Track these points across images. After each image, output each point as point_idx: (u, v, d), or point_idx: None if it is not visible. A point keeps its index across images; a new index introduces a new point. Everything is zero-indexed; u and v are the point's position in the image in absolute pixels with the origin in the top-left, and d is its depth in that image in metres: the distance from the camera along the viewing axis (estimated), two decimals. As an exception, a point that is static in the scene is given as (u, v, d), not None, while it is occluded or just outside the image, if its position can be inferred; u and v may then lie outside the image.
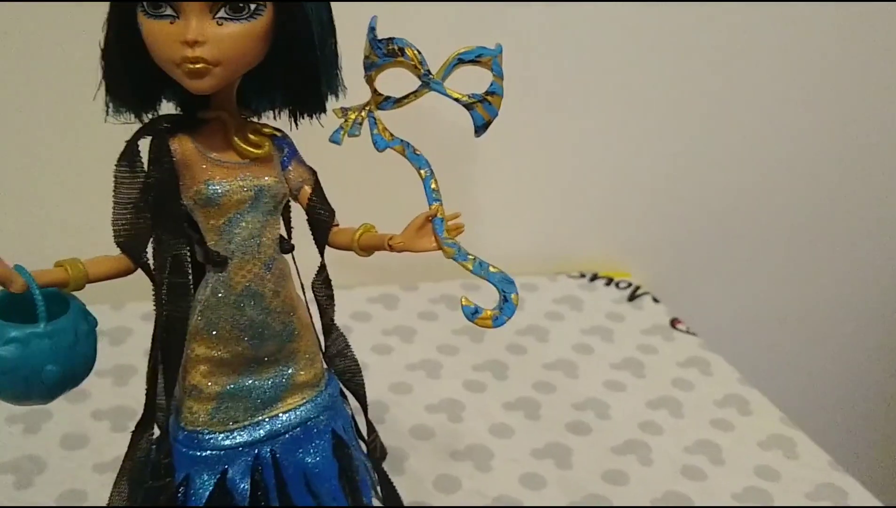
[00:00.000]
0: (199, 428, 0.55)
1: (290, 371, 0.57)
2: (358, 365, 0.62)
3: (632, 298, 1.22)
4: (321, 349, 0.60)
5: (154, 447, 0.55)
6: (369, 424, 0.63)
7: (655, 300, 1.22)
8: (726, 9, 1.20)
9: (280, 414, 0.57)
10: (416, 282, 1.21)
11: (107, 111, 0.52)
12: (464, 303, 0.55)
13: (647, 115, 1.25)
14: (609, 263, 1.29)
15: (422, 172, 0.55)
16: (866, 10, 1.25)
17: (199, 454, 0.54)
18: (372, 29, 0.52)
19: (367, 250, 0.56)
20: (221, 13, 0.48)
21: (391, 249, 0.54)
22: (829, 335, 1.45)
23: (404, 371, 1.04)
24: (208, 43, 0.48)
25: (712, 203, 1.33)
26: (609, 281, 1.25)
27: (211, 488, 0.53)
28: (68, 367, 0.49)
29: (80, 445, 0.88)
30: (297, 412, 0.57)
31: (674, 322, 1.17)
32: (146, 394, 0.54)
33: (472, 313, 0.55)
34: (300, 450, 0.56)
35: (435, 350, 1.09)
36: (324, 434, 0.58)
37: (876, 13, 1.26)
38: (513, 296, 0.54)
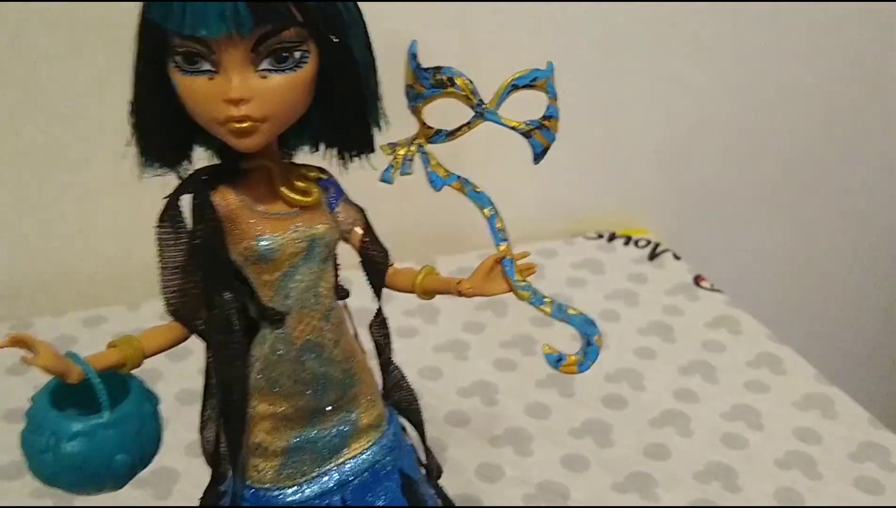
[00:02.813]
0: (266, 485, 0.53)
1: (353, 417, 0.55)
2: (414, 395, 0.60)
3: (652, 256, 1.20)
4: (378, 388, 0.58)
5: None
6: (427, 450, 0.62)
7: (676, 257, 1.20)
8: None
9: (347, 461, 0.55)
10: (434, 256, 1.19)
11: (140, 167, 0.48)
12: (546, 351, 0.53)
13: (658, 64, 1.22)
14: (626, 220, 1.26)
15: (485, 211, 0.52)
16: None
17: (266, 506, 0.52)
18: (414, 56, 0.48)
19: (429, 293, 0.54)
20: (265, 64, 0.44)
21: (460, 294, 0.52)
22: (855, 282, 1.44)
23: (432, 354, 1.03)
24: (254, 99, 0.44)
25: (726, 152, 1.30)
26: (627, 240, 1.23)
27: None
28: (138, 453, 0.47)
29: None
30: (364, 457, 0.55)
31: (697, 280, 1.15)
32: (211, 456, 0.52)
33: (557, 362, 0.53)
34: (369, 495, 0.55)
35: (461, 329, 1.07)
36: (392, 476, 0.56)
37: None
38: (595, 338, 0.52)
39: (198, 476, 0.86)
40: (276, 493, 0.53)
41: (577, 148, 1.25)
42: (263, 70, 0.44)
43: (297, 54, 0.44)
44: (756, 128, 1.30)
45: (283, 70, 0.44)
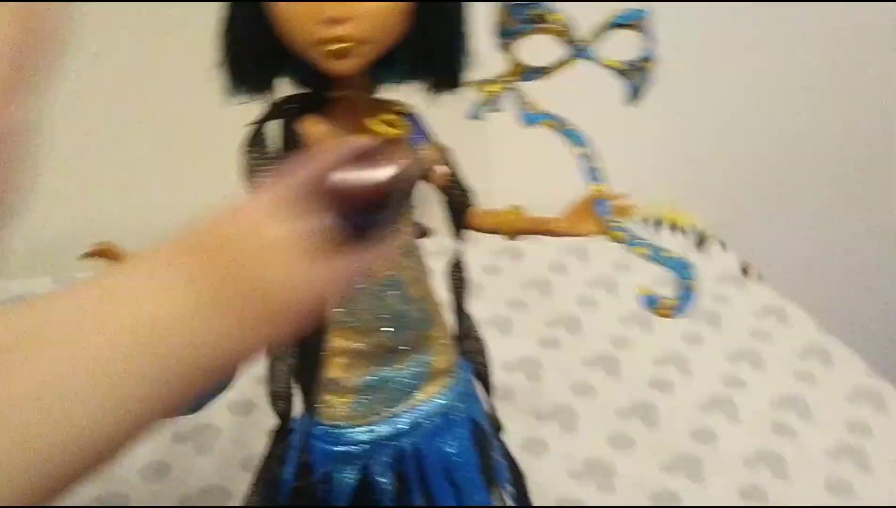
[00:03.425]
0: (338, 423, 0.52)
1: (427, 359, 0.54)
2: (483, 346, 0.59)
3: (699, 244, 1.19)
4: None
5: (289, 445, 0.52)
6: (491, 404, 0.60)
7: (723, 246, 1.19)
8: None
9: (420, 404, 0.54)
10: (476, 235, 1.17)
11: (226, 93, 0.47)
12: (641, 292, 0.51)
13: (707, 51, 1.20)
14: (671, 207, 1.24)
15: (581, 150, 0.51)
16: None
17: (339, 449, 0.51)
18: None
19: (517, 232, 0.52)
20: None
21: (552, 233, 0.51)
22: None
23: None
24: (353, 19, 0.43)
25: (777, 140, 1.28)
26: (674, 227, 1.22)
27: (354, 484, 0.50)
28: None
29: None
30: (437, 401, 0.54)
31: (745, 269, 1.14)
32: (278, 392, 0.51)
33: (651, 303, 0.51)
34: (440, 440, 0.53)
35: (504, 306, 1.06)
36: (463, 423, 0.55)
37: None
38: (691, 283, 0.51)
39: (239, 432, 0.86)
40: (348, 430, 0.51)
41: (623, 133, 1.23)
42: None
43: None
44: (807, 116, 1.28)
45: None
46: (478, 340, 0.58)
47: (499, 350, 0.97)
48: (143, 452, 0.82)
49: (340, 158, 0.24)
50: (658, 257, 0.51)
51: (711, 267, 1.14)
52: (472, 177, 0.55)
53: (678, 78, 1.19)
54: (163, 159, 1.05)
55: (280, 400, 0.52)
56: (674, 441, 0.87)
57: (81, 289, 0.23)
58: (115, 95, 1.02)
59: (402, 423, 0.53)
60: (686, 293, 0.51)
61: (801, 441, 0.88)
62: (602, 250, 1.18)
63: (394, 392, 0.53)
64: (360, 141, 0.27)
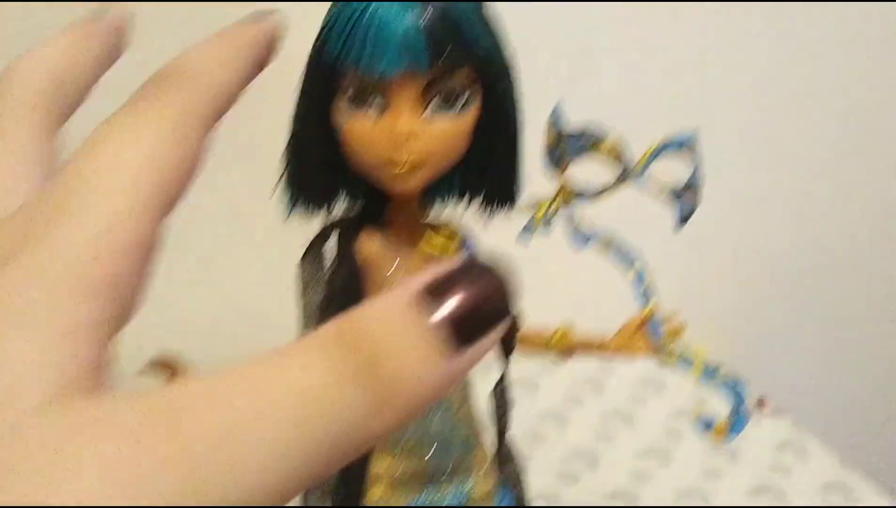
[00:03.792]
0: None
1: (468, 485, 0.53)
2: (523, 471, 0.58)
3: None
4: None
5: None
6: None
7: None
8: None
9: None
10: (491, 363, 1.17)
11: (286, 208, 0.49)
12: (697, 415, 0.51)
13: (725, 175, 1.23)
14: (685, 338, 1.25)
15: (631, 269, 0.52)
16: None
17: None
18: (558, 119, 0.49)
19: (567, 353, 0.53)
20: (433, 104, 0.45)
21: (602, 352, 0.51)
22: None
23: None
24: (420, 140, 0.45)
25: (789, 269, 1.30)
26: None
27: None
28: None
29: None
30: None
31: (761, 402, 1.13)
32: None
33: (707, 427, 0.51)
34: None
35: (519, 438, 1.04)
36: None
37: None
38: (745, 406, 0.51)
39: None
40: None
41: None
42: (432, 111, 0.45)
43: (464, 98, 0.45)
44: (817, 244, 1.30)
45: (448, 112, 0.45)
46: (518, 465, 0.57)
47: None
48: None
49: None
50: (711, 378, 0.51)
51: (727, 401, 1.14)
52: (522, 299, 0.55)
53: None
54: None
55: None
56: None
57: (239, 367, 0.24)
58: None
59: None
60: (740, 415, 0.50)
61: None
62: (619, 382, 1.17)
63: None
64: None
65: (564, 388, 1.15)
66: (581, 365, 1.20)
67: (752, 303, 1.31)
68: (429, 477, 0.51)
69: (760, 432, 1.08)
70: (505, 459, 0.57)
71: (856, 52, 1.20)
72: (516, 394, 1.13)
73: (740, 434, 0.51)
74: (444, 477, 0.51)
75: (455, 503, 0.52)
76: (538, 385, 1.15)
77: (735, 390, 0.51)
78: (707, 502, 0.95)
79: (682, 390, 1.16)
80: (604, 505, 0.93)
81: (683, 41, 1.13)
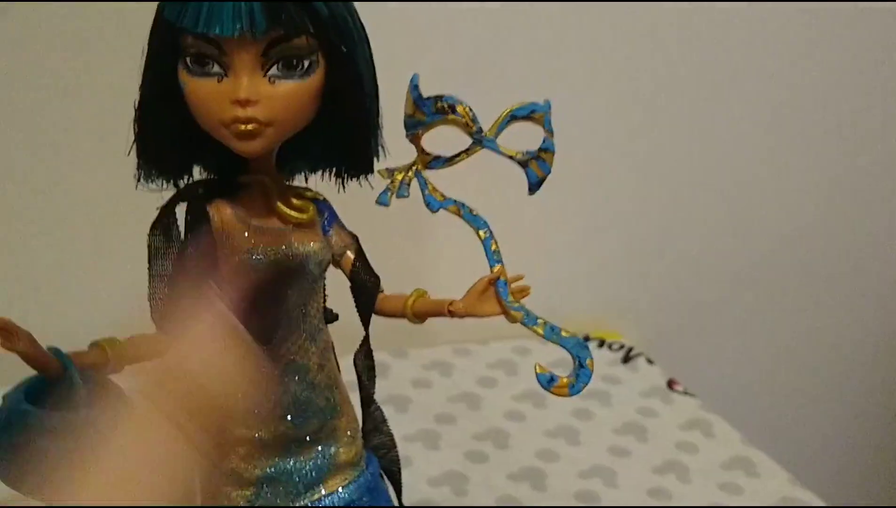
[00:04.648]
0: None
1: (331, 451, 0.53)
2: (393, 441, 0.58)
3: (626, 360, 1.20)
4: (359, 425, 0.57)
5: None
6: (401, 504, 0.59)
7: (650, 362, 1.20)
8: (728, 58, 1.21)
9: (322, 498, 0.53)
10: (406, 348, 1.18)
11: (138, 177, 0.48)
12: (538, 370, 0.52)
13: (635, 167, 1.25)
14: (598, 323, 1.26)
15: (480, 232, 0.53)
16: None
17: None
18: (416, 87, 0.49)
19: (421, 317, 0.53)
20: (274, 70, 0.45)
21: (451, 314, 0.52)
22: (827, 389, 1.44)
23: (402, 443, 1.00)
24: (261, 102, 0.45)
25: (701, 257, 1.32)
26: (601, 343, 1.23)
27: None
28: None
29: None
30: (340, 496, 0.53)
31: (671, 383, 1.15)
32: None
33: (548, 382, 0.52)
34: None
35: (432, 420, 1.05)
36: None
37: None
38: (588, 362, 0.52)
39: None
40: None
41: (553, 250, 1.26)
42: (272, 75, 0.45)
43: (306, 63, 0.45)
44: (730, 233, 1.32)
45: (291, 77, 0.45)
46: (388, 434, 0.58)
47: (425, 465, 0.97)
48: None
49: None
50: (554, 335, 0.52)
51: (638, 381, 1.16)
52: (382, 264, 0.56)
53: (602, 191, 1.24)
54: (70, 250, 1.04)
55: None
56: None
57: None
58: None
59: None
60: (581, 372, 0.52)
61: (727, 553, 0.87)
62: (531, 363, 1.19)
63: (295, 486, 0.52)
64: None
65: (478, 370, 1.16)
66: (496, 347, 1.21)
67: (664, 291, 1.33)
68: (290, 441, 0.51)
69: (669, 412, 1.10)
70: (372, 426, 0.57)
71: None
72: (430, 377, 1.14)
73: (581, 389, 0.53)
74: (306, 442, 0.51)
75: (317, 468, 0.52)
76: (452, 367, 1.16)
77: (578, 349, 0.52)
78: (612, 480, 0.96)
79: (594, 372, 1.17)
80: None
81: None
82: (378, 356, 1.14)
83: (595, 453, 1.01)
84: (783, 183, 1.32)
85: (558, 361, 1.16)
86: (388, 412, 1.03)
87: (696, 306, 1.34)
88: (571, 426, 1.06)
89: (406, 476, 0.94)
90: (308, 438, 0.52)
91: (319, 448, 0.53)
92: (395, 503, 0.59)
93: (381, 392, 1.07)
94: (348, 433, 0.54)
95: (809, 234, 1.35)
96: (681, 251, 1.31)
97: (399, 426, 1.01)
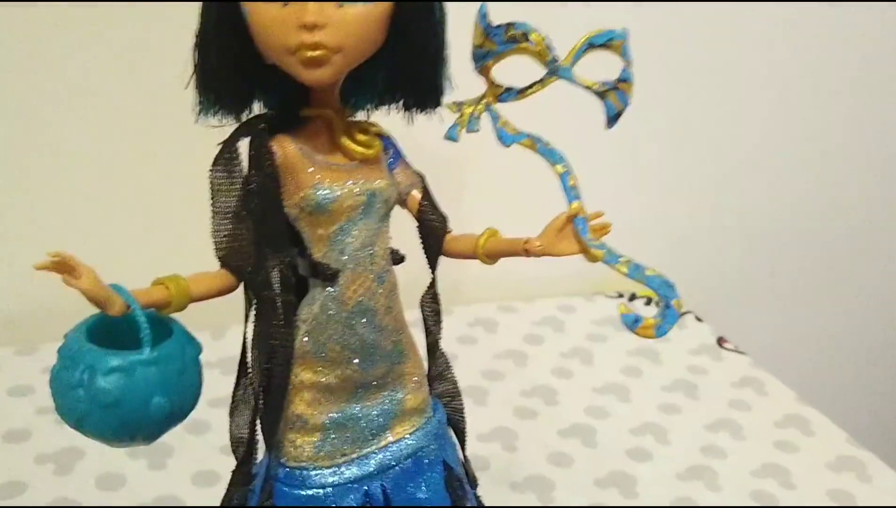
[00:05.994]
0: (303, 464, 0.49)
1: (399, 396, 0.52)
2: (458, 389, 0.57)
3: (674, 317, 1.18)
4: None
5: (250, 490, 0.49)
6: (465, 456, 0.58)
7: (699, 320, 1.18)
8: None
9: (389, 445, 0.51)
10: (450, 306, 1.16)
11: (198, 111, 0.47)
12: (623, 311, 0.50)
13: (687, 124, 1.22)
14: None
15: (558, 167, 0.50)
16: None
17: (304, 493, 0.48)
18: (484, 16, 0.47)
19: (493, 256, 0.51)
20: None
21: (527, 253, 0.49)
22: (882, 347, 1.42)
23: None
24: (329, 26, 0.42)
25: (750, 218, 1.29)
26: (648, 301, 1.21)
27: None
28: (177, 399, 0.44)
29: (117, 486, 0.82)
30: (407, 442, 0.52)
31: (720, 341, 1.13)
32: (240, 437, 0.49)
33: (633, 323, 0.50)
34: (411, 484, 0.51)
35: (479, 376, 1.04)
36: (435, 466, 0.52)
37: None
38: (675, 302, 0.49)
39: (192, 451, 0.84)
40: (314, 472, 0.49)
41: (600, 206, 1.24)
42: None
43: None
44: (784, 192, 1.29)
45: (359, 0, 0.43)
46: (452, 382, 0.56)
47: (474, 421, 0.96)
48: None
49: None
50: (639, 274, 0.50)
51: (687, 338, 1.14)
52: (447, 203, 0.54)
53: (652, 147, 1.21)
54: (130, 222, 1.04)
55: (241, 445, 0.49)
56: (654, 511, 0.84)
57: None
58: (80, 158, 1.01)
59: (371, 466, 0.50)
60: (668, 313, 0.49)
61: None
62: (577, 321, 1.17)
63: (362, 432, 0.50)
64: None
65: (523, 327, 1.14)
66: (541, 304, 1.19)
67: (713, 249, 1.30)
68: (357, 385, 0.49)
69: (719, 370, 1.08)
70: (438, 373, 0.55)
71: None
72: (475, 334, 1.12)
73: (668, 332, 0.50)
74: (372, 387, 0.50)
75: (384, 414, 0.51)
76: (497, 324, 1.14)
77: (664, 286, 0.50)
78: (663, 436, 0.95)
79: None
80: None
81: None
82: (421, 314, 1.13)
83: (645, 410, 0.99)
84: (834, 141, 1.28)
85: (605, 319, 1.15)
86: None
87: (746, 264, 1.31)
88: (621, 384, 1.04)
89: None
90: (375, 383, 0.50)
91: (386, 393, 0.51)
92: (460, 453, 0.57)
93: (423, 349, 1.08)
94: (415, 378, 0.53)
95: (864, 191, 1.32)
96: (731, 209, 1.28)
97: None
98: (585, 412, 0.98)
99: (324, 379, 0.49)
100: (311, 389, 0.49)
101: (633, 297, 1.22)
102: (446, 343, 1.09)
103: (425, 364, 0.55)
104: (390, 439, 0.51)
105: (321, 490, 0.48)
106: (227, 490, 0.50)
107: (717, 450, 0.93)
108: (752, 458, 0.92)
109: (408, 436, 0.52)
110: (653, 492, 0.86)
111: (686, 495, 0.86)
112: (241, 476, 0.49)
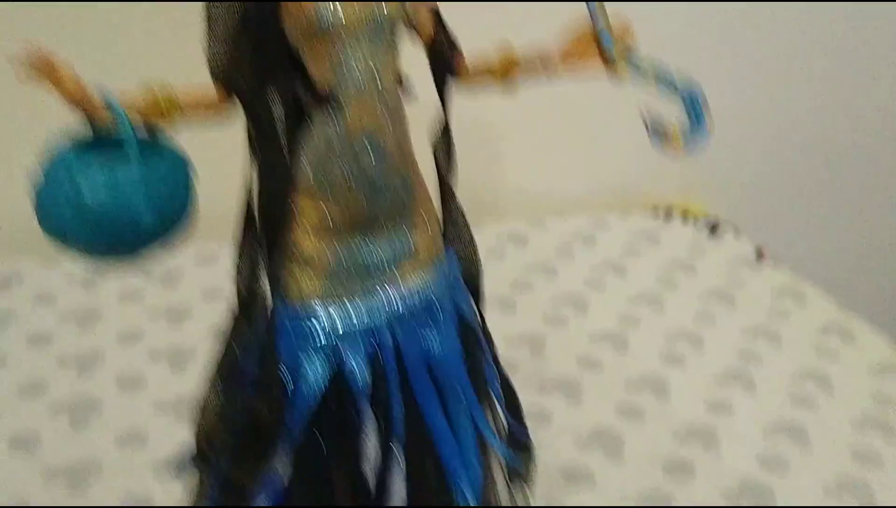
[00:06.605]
0: (308, 300, 0.46)
1: (408, 238, 0.48)
2: (472, 236, 0.53)
3: (712, 231, 1.14)
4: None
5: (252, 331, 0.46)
6: (480, 312, 0.54)
7: (736, 232, 1.14)
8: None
9: (402, 290, 0.48)
10: (478, 222, 1.13)
11: None
12: (647, 124, 0.46)
13: (715, 36, 1.17)
14: (682, 196, 1.20)
15: None
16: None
17: (309, 329, 0.45)
18: None
19: (510, 72, 0.47)
20: None
21: (548, 70, 0.45)
22: None
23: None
24: None
25: (784, 129, 1.24)
26: (685, 216, 1.17)
27: (325, 378, 0.45)
28: (166, 215, 0.42)
29: (138, 387, 0.82)
30: (418, 289, 0.49)
31: (759, 254, 1.09)
32: (241, 274, 0.46)
33: (660, 136, 0.46)
34: (423, 334, 0.48)
35: (507, 287, 1.01)
36: (450, 318, 0.49)
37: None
38: (703, 109, 0.45)
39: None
40: (319, 309, 0.46)
41: (634, 120, 1.20)
42: None
43: None
44: (817, 106, 1.24)
45: None
46: (465, 227, 0.53)
47: (503, 328, 0.93)
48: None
49: None
50: (666, 77, 0.46)
51: (725, 252, 1.10)
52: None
53: (684, 60, 1.16)
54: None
55: (243, 281, 0.46)
56: (686, 413, 0.81)
57: None
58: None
59: (381, 310, 0.47)
60: (698, 118, 0.45)
61: (823, 413, 0.82)
62: (611, 237, 1.13)
63: (369, 269, 0.47)
64: None
65: (554, 241, 1.11)
66: (573, 221, 1.16)
67: (751, 163, 1.26)
68: (363, 222, 0.46)
69: (760, 281, 1.04)
70: (450, 217, 0.52)
71: None
72: (504, 248, 1.10)
73: (700, 141, 0.46)
74: (380, 224, 0.47)
75: (393, 254, 0.48)
76: (528, 239, 1.11)
77: (692, 93, 0.46)
78: (698, 344, 0.92)
79: (677, 241, 1.12)
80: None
81: None
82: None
83: (680, 319, 0.96)
84: (870, 53, 1.22)
85: (636, 234, 1.12)
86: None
87: (784, 177, 1.27)
88: (654, 294, 1.01)
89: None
90: (382, 219, 0.47)
91: (394, 231, 0.48)
92: (474, 306, 0.54)
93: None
94: (425, 220, 0.49)
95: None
96: (769, 123, 1.23)
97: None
98: (618, 319, 0.96)
99: (329, 212, 0.46)
100: (316, 225, 0.46)
101: (669, 212, 1.18)
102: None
103: (439, 213, 0.52)
104: (400, 282, 0.48)
105: (328, 334, 0.46)
106: (226, 332, 0.47)
107: (755, 356, 0.90)
108: (791, 364, 0.89)
109: (420, 284, 0.49)
110: (686, 395, 0.84)
111: (721, 398, 0.83)
112: (242, 317, 0.47)
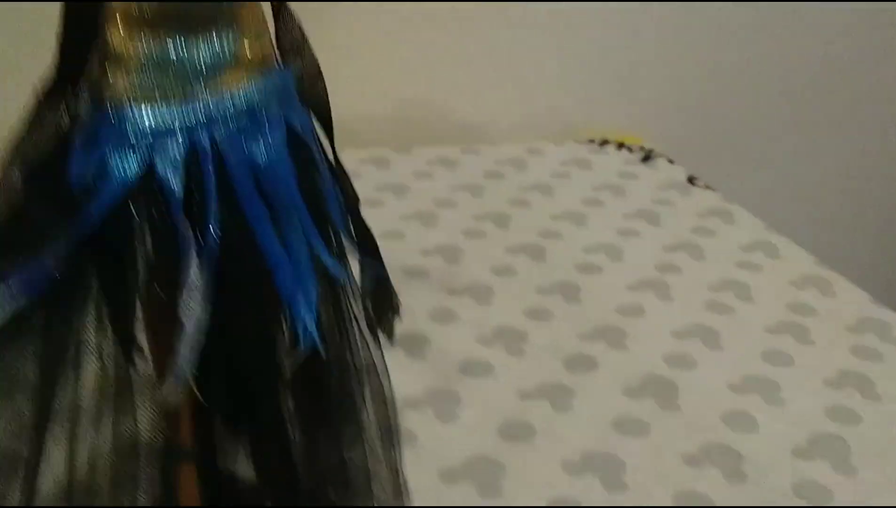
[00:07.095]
0: (118, 99, 0.44)
1: (233, 44, 0.45)
2: (318, 69, 0.50)
3: (645, 158, 1.12)
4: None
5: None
6: (333, 150, 0.51)
7: (671, 162, 1.12)
8: None
9: (220, 92, 0.45)
10: (411, 146, 1.11)
11: None
12: None
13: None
14: (618, 131, 1.18)
15: None
16: None
17: (118, 127, 0.43)
18: None
19: None
20: None
21: None
22: (852, 191, 1.35)
23: (395, 221, 0.94)
24: None
25: (719, 64, 1.23)
26: (620, 145, 1.15)
27: (133, 174, 0.42)
28: None
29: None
30: (242, 95, 0.46)
31: (691, 179, 1.07)
32: (60, 53, 0.43)
33: None
34: (247, 141, 0.45)
35: (432, 203, 0.99)
36: (277, 128, 0.46)
37: None
38: None
39: None
40: (130, 110, 0.43)
41: (574, 54, 1.18)
42: None
43: None
44: (751, 39, 1.23)
45: None
46: (302, 38, 0.49)
47: (418, 239, 0.91)
48: None
49: None
50: None
51: (656, 177, 1.08)
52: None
53: (640, 13, 1.15)
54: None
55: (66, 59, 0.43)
56: (596, 315, 0.80)
57: None
58: None
59: (198, 111, 0.44)
60: None
61: (739, 318, 0.81)
62: (540, 161, 1.11)
63: (188, 70, 0.44)
64: None
65: (485, 165, 1.09)
66: (507, 148, 1.13)
67: (688, 97, 1.24)
68: (178, 19, 0.44)
69: (687, 202, 1.02)
70: (285, 26, 0.48)
71: None
72: (433, 171, 1.08)
73: None
74: (199, 24, 0.44)
75: (214, 56, 0.45)
76: (458, 163, 1.09)
77: None
78: (616, 256, 0.90)
79: (608, 169, 1.09)
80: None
81: None
82: (380, 152, 1.08)
83: (601, 233, 0.94)
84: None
85: (568, 160, 1.10)
86: (384, 198, 0.99)
87: (717, 110, 1.25)
88: (579, 212, 0.99)
89: (397, 248, 0.89)
90: (202, 20, 0.44)
91: (217, 32, 0.45)
92: (314, 128, 0.50)
93: (378, 182, 1.03)
94: (254, 25, 0.46)
95: (833, 30, 1.25)
96: (705, 57, 1.22)
97: (394, 209, 0.97)
98: (539, 234, 0.93)
99: (137, 7, 0.43)
100: (125, 18, 0.43)
101: (604, 142, 1.16)
102: (402, 178, 1.06)
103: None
104: (221, 86, 0.45)
105: (138, 133, 0.43)
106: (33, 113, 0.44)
107: (674, 269, 0.88)
108: (712, 276, 0.87)
109: (242, 87, 0.46)
110: (597, 300, 0.82)
111: (634, 303, 0.82)
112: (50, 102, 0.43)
